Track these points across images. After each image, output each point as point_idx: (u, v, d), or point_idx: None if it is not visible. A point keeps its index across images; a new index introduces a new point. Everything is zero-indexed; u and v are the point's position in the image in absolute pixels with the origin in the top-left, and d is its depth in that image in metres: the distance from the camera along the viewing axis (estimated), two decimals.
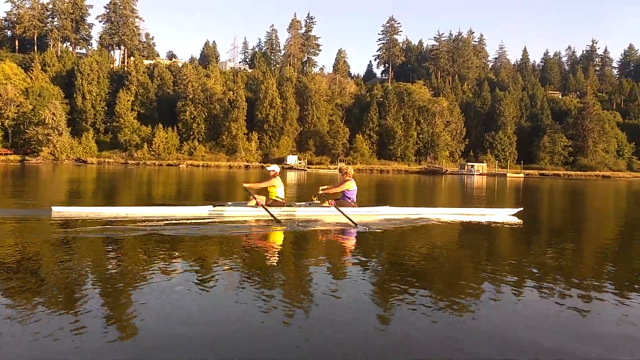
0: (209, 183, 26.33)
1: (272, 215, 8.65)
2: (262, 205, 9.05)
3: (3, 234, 6.63)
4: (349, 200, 9.67)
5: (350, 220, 8.41)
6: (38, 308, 3.47)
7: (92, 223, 7.70)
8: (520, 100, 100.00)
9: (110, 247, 5.95)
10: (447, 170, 78.20)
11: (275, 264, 5.39)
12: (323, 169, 74.25)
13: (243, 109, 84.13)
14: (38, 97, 78.32)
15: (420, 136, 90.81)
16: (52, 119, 73.98)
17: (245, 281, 4.46)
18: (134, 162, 76.44)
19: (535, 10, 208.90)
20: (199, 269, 4.83)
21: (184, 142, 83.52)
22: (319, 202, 9.88)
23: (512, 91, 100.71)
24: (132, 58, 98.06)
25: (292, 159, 78.25)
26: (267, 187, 9.63)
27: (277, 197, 9.52)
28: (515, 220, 9.96)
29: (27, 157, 73.16)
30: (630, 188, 36.06)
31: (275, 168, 9.97)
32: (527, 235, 8.74)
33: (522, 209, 11.09)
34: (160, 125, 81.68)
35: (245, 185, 9.69)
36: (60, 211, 8.56)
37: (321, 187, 9.74)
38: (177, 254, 5.63)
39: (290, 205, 9.59)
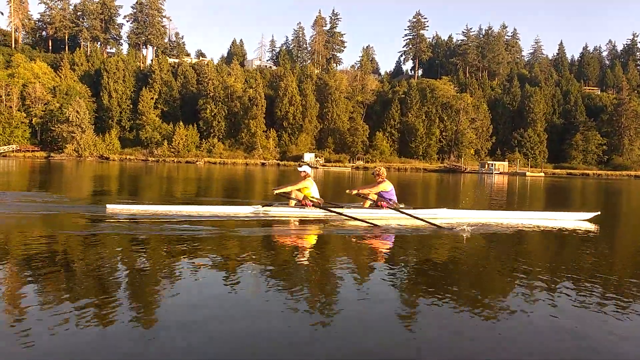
0: (228, 180, 26.20)
1: (340, 213, 8.63)
2: (321, 207, 9.01)
3: (63, 228, 7.04)
4: (391, 202, 9.20)
5: (430, 222, 8.02)
6: (80, 297, 3.61)
7: (145, 220, 8.01)
8: (552, 96, 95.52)
9: (161, 244, 6.19)
10: (466, 169, 75.50)
11: (330, 266, 5.16)
12: (335, 166, 72.87)
13: (262, 106, 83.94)
14: (65, 95, 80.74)
15: (444, 134, 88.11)
16: (76, 116, 76.01)
17: (283, 281, 4.41)
18: (154, 159, 77.68)
19: (572, 3, 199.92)
20: (240, 268, 4.85)
21: (204, 140, 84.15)
22: (362, 203, 9.49)
23: (543, 87, 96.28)
24: (157, 57, 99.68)
25: (309, 157, 77.52)
26: (300, 189, 9.34)
27: (312, 197, 9.31)
28: (589, 226, 9.00)
29: (52, 154, 75.55)
30: None
31: (306, 169, 9.75)
32: (603, 245, 7.67)
33: (598, 213, 9.90)
34: (181, 123, 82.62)
35: (276, 191, 9.54)
36: (114, 209, 8.89)
37: (347, 190, 9.55)
38: (224, 252, 5.76)
39: (339, 206, 9.31)
